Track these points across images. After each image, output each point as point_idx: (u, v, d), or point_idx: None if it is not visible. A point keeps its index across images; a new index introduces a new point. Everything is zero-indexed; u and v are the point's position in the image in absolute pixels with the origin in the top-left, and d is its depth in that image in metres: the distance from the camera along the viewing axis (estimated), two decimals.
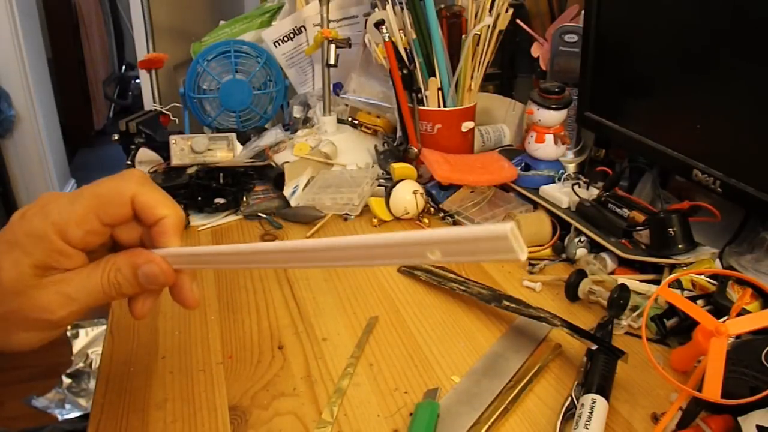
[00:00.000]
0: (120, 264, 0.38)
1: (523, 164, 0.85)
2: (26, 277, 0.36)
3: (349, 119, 1.04)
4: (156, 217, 0.38)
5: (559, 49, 0.89)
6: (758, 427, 0.39)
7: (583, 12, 0.83)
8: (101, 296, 0.38)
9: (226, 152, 0.94)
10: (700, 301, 0.55)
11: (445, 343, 0.56)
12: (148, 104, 1.22)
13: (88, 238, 0.37)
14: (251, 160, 0.94)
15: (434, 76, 0.88)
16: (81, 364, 1.64)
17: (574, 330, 0.52)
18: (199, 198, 0.85)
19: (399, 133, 0.94)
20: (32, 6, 2.75)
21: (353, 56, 1.06)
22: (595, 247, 0.69)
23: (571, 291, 0.61)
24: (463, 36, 0.86)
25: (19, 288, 0.36)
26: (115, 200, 0.38)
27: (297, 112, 1.08)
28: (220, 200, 0.85)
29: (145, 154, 0.96)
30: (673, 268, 0.62)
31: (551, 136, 0.82)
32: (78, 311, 0.37)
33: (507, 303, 0.57)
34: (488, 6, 0.84)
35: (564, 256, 0.70)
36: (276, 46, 1.11)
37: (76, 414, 1.48)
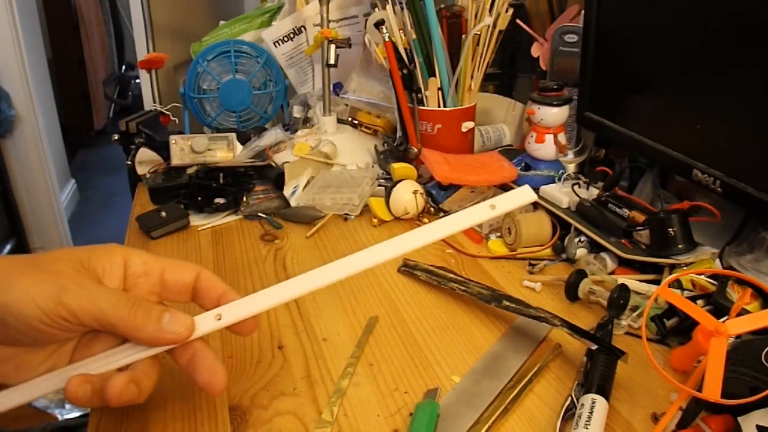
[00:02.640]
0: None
1: (523, 164, 0.85)
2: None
3: (349, 119, 1.04)
4: (219, 291, 0.43)
5: (559, 49, 0.89)
6: (758, 427, 0.39)
7: (583, 12, 0.83)
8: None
9: (226, 152, 0.94)
10: (700, 301, 0.55)
11: (445, 343, 0.56)
12: (148, 104, 1.22)
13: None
14: (251, 160, 0.94)
15: (434, 76, 0.88)
16: None
17: (574, 330, 0.52)
18: (199, 198, 0.85)
19: (399, 133, 0.94)
20: (32, 6, 2.75)
21: (353, 56, 1.06)
22: (595, 247, 0.69)
23: (571, 291, 0.61)
24: (463, 36, 0.86)
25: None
26: (183, 267, 0.44)
27: (297, 112, 1.08)
28: (220, 200, 0.85)
29: (145, 154, 0.96)
30: (673, 268, 0.62)
31: (551, 136, 0.82)
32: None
33: (507, 303, 0.57)
34: (488, 6, 0.84)
35: (564, 256, 0.70)
36: (276, 46, 1.11)
37: (76, 414, 1.48)
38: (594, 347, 0.50)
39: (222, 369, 0.41)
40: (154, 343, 0.40)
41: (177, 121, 1.10)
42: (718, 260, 0.61)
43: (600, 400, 0.44)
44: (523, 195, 0.41)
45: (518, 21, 0.94)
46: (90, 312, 0.37)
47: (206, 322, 0.41)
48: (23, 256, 0.39)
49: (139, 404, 0.48)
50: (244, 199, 0.86)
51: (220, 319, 0.42)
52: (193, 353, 0.41)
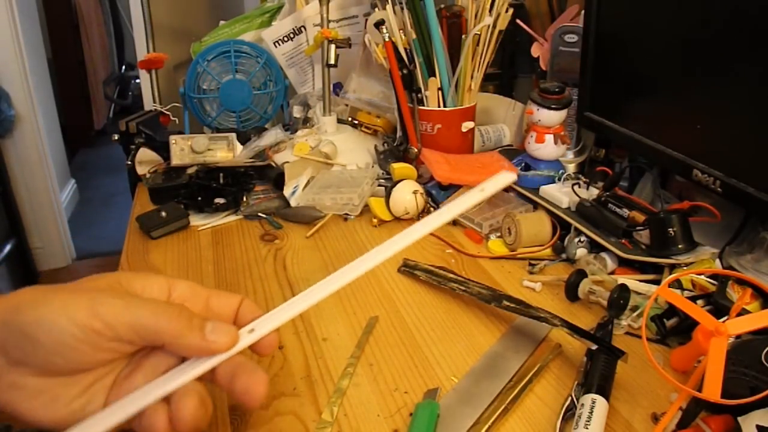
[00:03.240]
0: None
1: (523, 164, 0.85)
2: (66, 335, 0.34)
3: (349, 119, 1.04)
4: (254, 315, 0.42)
5: (559, 49, 0.89)
6: (758, 427, 0.39)
7: (583, 12, 0.83)
8: None
9: (226, 152, 0.94)
10: (700, 301, 0.55)
11: (445, 344, 0.56)
12: (148, 104, 1.22)
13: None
14: (251, 160, 0.94)
15: (434, 76, 0.88)
16: None
17: (574, 330, 0.52)
18: (199, 198, 0.85)
19: (399, 133, 0.94)
20: (32, 6, 2.75)
21: (353, 56, 1.06)
22: (595, 247, 0.69)
23: (571, 291, 0.61)
24: (463, 36, 0.86)
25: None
26: (229, 294, 0.43)
27: (297, 112, 1.08)
28: (220, 200, 0.85)
29: (145, 154, 0.96)
30: (673, 268, 0.62)
31: (551, 136, 0.82)
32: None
33: (507, 303, 0.57)
34: (488, 6, 0.84)
35: (564, 256, 0.70)
36: (276, 46, 1.11)
37: None
38: (594, 347, 0.50)
39: (264, 375, 0.39)
40: (198, 352, 0.38)
41: (177, 121, 1.10)
42: (718, 260, 0.61)
43: (600, 400, 0.44)
44: (504, 178, 0.45)
45: (518, 21, 0.94)
46: (128, 322, 0.35)
47: (242, 339, 0.41)
48: (55, 285, 0.38)
49: None
50: (244, 199, 0.86)
51: (252, 331, 0.41)
52: (234, 367, 0.39)
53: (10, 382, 0.35)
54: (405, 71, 0.88)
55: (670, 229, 0.62)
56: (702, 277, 0.57)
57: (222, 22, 1.19)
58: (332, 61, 0.98)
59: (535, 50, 0.95)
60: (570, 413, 0.46)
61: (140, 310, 0.36)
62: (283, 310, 0.43)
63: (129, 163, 0.96)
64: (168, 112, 1.08)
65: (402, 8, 0.87)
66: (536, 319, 0.54)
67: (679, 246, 0.62)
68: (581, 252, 0.68)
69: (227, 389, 0.39)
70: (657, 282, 0.62)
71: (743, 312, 0.51)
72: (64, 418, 0.36)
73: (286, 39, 1.12)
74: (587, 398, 0.44)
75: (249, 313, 0.43)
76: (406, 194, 0.79)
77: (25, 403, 0.35)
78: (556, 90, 0.80)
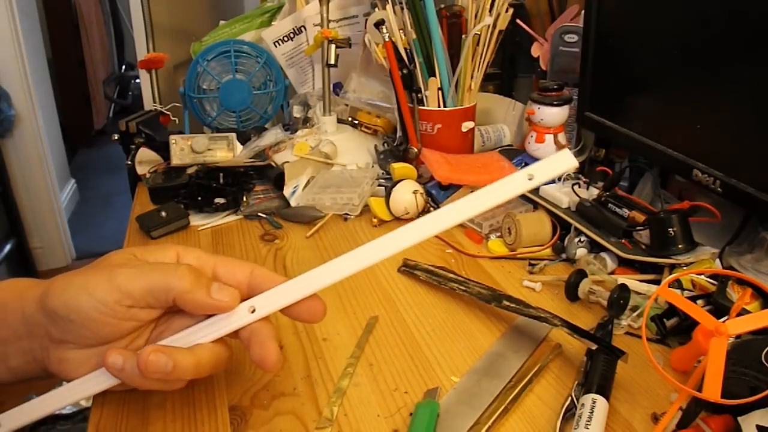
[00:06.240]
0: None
1: (523, 164, 0.85)
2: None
3: (349, 119, 1.04)
4: (274, 285, 0.44)
5: (559, 49, 0.89)
6: (758, 427, 0.39)
7: (583, 12, 0.83)
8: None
9: (226, 152, 0.94)
10: (700, 301, 0.55)
11: (445, 343, 0.56)
12: (148, 104, 1.22)
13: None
14: (251, 160, 0.94)
15: (434, 76, 0.88)
16: None
17: (574, 330, 0.52)
18: (199, 198, 0.85)
19: (399, 133, 0.94)
20: (32, 6, 2.75)
21: (353, 56, 1.06)
22: (595, 247, 0.69)
23: (571, 291, 0.61)
24: (463, 36, 0.86)
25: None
26: (236, 264, 0.45)
27: (297, 112, 1.08)
28: (220, 200, 0.85)
29: (145, 154, 0.96)
30: (673, 268, 0.62)
31: (551, 136, 0.82)
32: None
33: (507, 303, 0.57)
34: (488, 6, 0.85)
35: (564, 256, 0.70)
36: (276, 46, 1.11)
37: (67, 411, 1.48)
38: (594, 347, 0.50)
39: (275, 345, 0.42)
40: (204, 307, 0.41)
41: (177, 121, 1.10)
42: (718, 260, 0.61)
43: (600, 400, 0.44)
44: (563, 161, 0.36)
45: (518, 21, 0.94)
46: (143, 286, 0.39)
47: (240, 316, 0.42)
48: (80, 268, 0.43)
49: (139, 403, 0.48)
50: (244, 199, 0.86)
51: (253, 311, 0.42)
52: (250, 331, 0.43)
53: (58, 357, 0.41)
54: (405, 71, 0.88)
55: (670, 229, 0.62)
56: (702, 277, 0.57)
57: (222, 22, 1.19)
58: (332, 61, 0.98)
59: (535, 50, 0.95)
60: (570, 413, 0.46)
61: (152, 273, 0.40)
62: (291, 287, 0.42)
63: (129, 163, 0.96)
64: (168, 112, 1.08)
65: (402, 8, 0.87)
66: (536, 319, 0.54)
67: (679, 246, 0.62)
68: (581, 252, 0.68)
69: (247, 350, 0.43)
70: (657, 282, 0.62)
71: (743, 312, 0.51)
72: None
73: (286, 39, 1.12)
74: (587, 398, 0.44)
75: (261, 282, 0.44)
76: (406, 194, 0.79)
77: (74, 372, 0.41)
78: (555, 87, 0.80)
